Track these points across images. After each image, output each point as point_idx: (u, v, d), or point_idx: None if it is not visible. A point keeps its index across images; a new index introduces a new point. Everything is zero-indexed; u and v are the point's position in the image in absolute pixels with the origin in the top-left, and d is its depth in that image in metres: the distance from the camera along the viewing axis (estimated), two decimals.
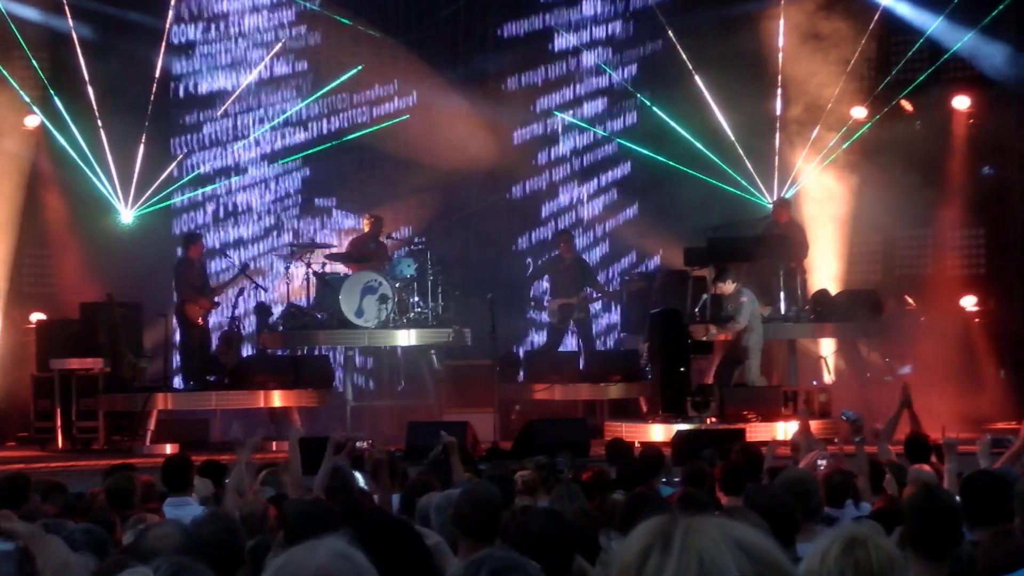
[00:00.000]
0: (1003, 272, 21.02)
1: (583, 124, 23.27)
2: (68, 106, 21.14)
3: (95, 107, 21.21)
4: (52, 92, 21.17)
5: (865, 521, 7.08)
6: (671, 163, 22.87)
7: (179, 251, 20.30)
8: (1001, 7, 20.52)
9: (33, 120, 21.13)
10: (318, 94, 22.58)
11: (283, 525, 6.68)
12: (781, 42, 22.11)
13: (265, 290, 21.31)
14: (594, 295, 21.26)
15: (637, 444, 14.69)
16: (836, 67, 21.75)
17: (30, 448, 19.19)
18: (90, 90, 21.19)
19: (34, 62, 21.03)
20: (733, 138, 22.30)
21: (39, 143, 21.25)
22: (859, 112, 21.86)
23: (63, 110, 21.12)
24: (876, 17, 21.53)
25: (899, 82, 21.69)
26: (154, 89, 21.69)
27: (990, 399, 19.36)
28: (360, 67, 22.43)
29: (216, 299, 20.01)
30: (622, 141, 23.16)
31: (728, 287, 18.25)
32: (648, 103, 22.82)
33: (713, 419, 17.39)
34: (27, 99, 20.91)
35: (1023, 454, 9.15)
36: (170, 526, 5.87)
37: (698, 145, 22.53)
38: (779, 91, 22.12)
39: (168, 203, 22.19)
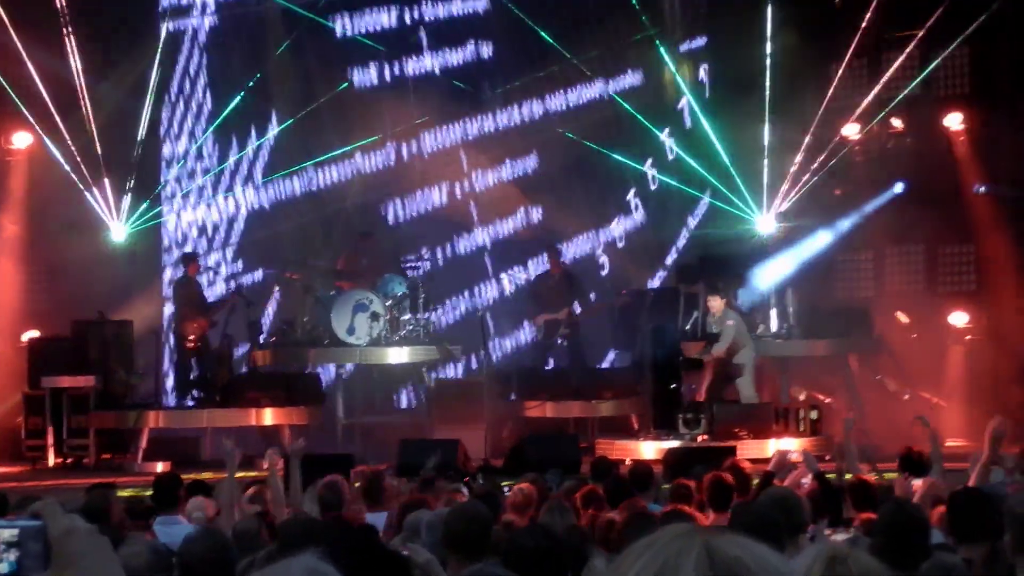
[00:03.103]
0: (994, 289, 21.05)
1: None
2: (60, 124, 21.10)
3: (88, 124, 21.21)
4: (44, 110, 21.15)
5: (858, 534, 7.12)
6: (664, 178, 23.02)
7: (172, 270, 20.38)
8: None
9: (23, 138, 21.13)
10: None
11: (275, 541, 6.68)
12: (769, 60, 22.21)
13: (257, 308, 21.29)
14: (579, 310, 21.10)
15: (628, 461, 14.70)
16: (828, 82, 21.86)
17: (21, 465, 19.17)
18: (84, 107, 21.19)
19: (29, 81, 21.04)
20: (723, 154, 22.39)
21: (30, 161, 21.25)
22: (851, 129, 21.92)
23: (54, 128, 21.08)
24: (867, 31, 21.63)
25: (890, 99, 21.75)
26: (148, 104, 21.70)
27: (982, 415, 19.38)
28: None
29: (213, 319, 20.07)
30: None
31: (716, 303, 18.27)
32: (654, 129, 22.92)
33: (704, 436, 17.40)
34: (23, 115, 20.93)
35: (991, 468, 9.19)
36: (139, 544, 5.85)
37: (689, 160, 22.67)
38: (767, 107, 22.18)
39: (159, 221, 22.21)
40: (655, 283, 22.82)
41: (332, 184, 22.58)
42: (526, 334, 22.04)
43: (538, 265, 22.20)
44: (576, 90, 23.00)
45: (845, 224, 21.56)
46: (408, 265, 20.27)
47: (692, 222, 23.31)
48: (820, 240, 21.42)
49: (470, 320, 21.58)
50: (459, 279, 22.50)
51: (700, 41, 23.36)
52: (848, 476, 9.87)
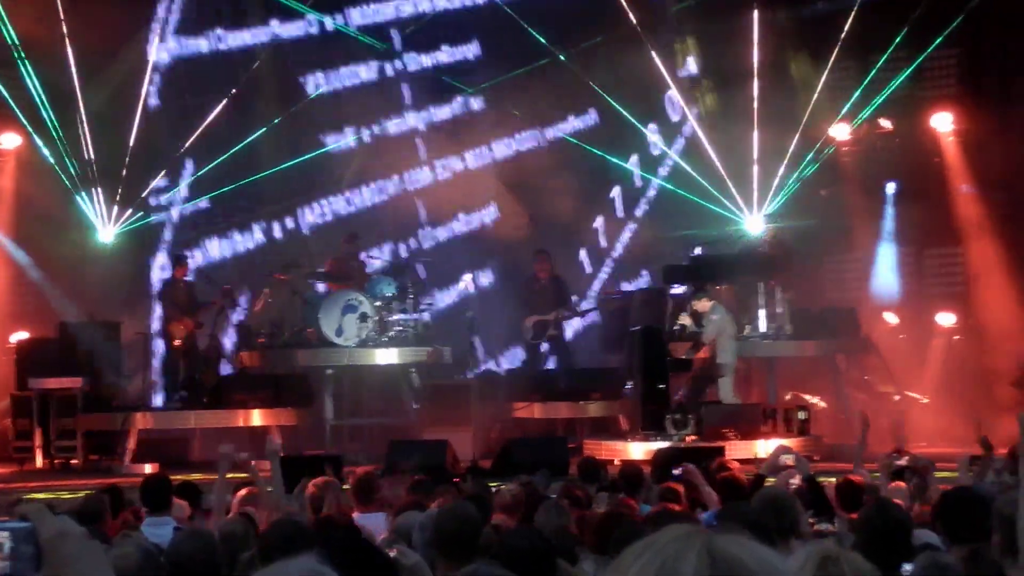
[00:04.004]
0: (982, 290, 21.09)
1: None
2: (49, 125, 21.05)
3: (80, 126, 21.16)
4: (30, 110, 21.10)
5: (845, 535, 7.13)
6: (655, 178, 23.05)
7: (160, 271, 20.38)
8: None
9: (12, 139, 21.06)
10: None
11: (258, 543, 6.67)
12: (757, 61, 22.23)
13: (245, 309, 21.27)
14: (565, 314, 21.05)
15: (617, 462, 14.70)
16: (815, 85, 21.89)
17: (8, 467, 19.13)
18: (77, 108, 21.15)
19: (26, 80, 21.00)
20: (713, 155, 22.41)
21: (18, 162, 21.19)
22: (839, 130, 21.94)
23: (44, 129, 21.04)
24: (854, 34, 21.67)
25: (878, 100, 21.77)
26: (140, 109, 21.65)
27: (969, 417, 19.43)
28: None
29: (200, 320, 20.04)
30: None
31: (704, 305, 18.31)
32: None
33: (692, 437, 17.40)
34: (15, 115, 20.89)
35: (986, 472, 9.23)
36: (129, 545, 5.85)
37: (679, 160, 22.71)
38: (755, 107, 22.20)
39: (148, 221, 22.13)
40: (596, 285, 22.84)
41: (243, 47, 22.21)
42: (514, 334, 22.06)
43: (477, 156, 22.36)
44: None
45: (887, 225, 21.68)
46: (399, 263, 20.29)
47: (631, 225, 23.23)
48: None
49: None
50: (390, 165, 22.31)
51: None
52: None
